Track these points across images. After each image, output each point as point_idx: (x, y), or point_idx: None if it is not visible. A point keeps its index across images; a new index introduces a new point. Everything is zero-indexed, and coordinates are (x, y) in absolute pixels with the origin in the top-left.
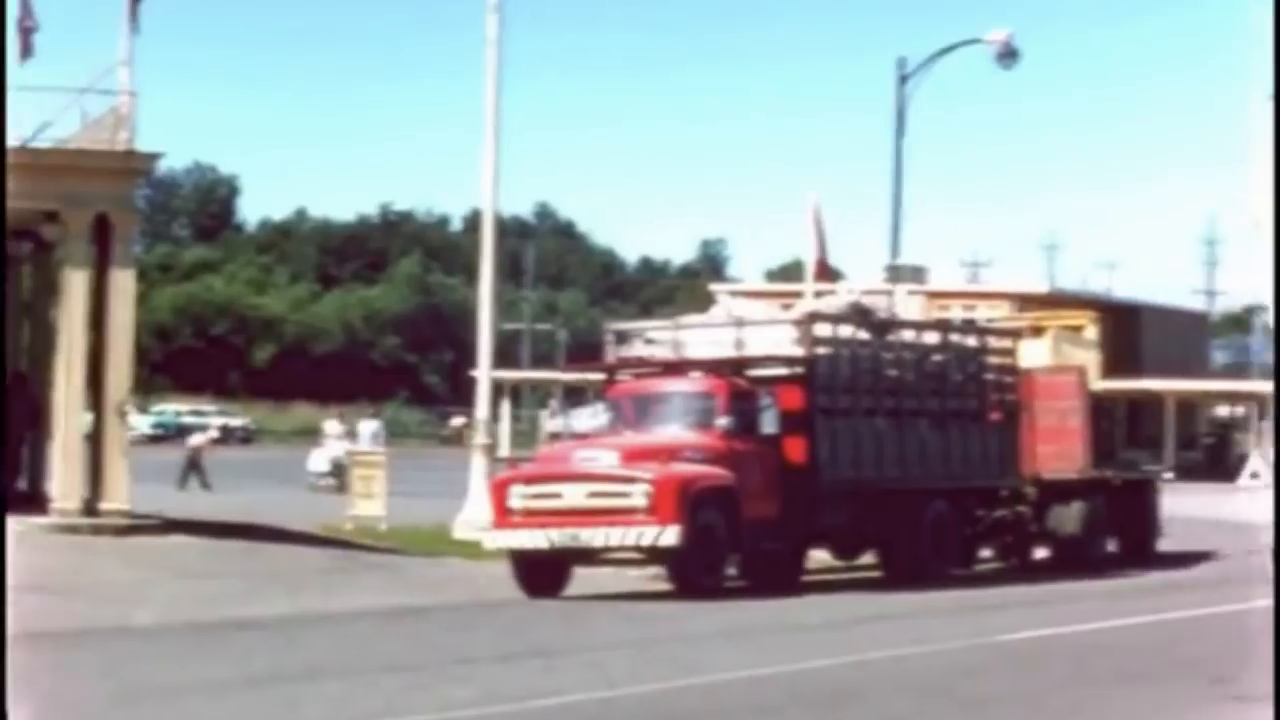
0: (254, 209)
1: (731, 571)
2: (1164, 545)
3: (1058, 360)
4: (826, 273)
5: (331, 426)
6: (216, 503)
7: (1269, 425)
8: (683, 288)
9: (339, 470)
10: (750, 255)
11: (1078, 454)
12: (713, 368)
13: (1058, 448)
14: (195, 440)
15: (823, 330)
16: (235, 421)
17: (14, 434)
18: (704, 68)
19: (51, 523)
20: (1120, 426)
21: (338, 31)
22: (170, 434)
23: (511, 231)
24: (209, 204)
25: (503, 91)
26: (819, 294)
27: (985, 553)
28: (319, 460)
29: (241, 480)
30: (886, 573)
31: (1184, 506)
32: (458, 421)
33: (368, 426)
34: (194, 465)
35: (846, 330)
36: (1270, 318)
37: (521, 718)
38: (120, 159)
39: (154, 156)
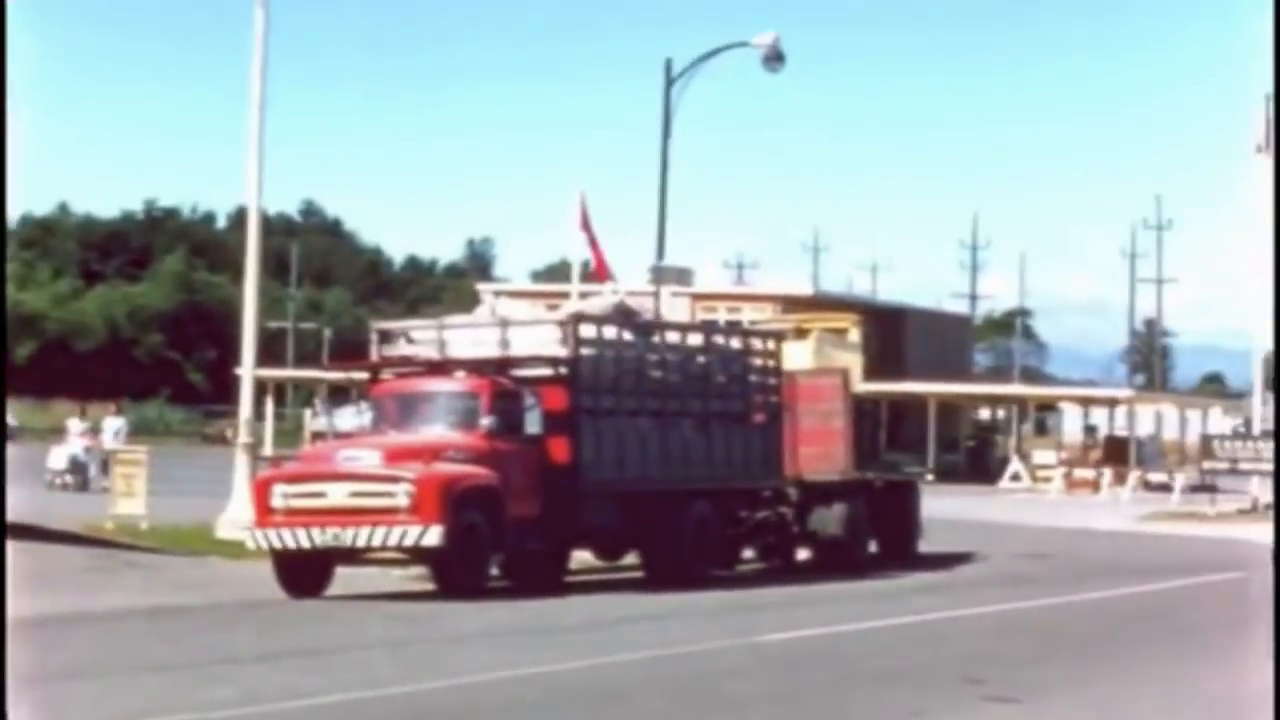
0: (16, 204)
1: (495, 571)
2: (925, 546)
3: (821, 362)
4: (606, 273)
5: (74, 424)
6: None
7: (1029, 428)
8: (449, 287)
9: (77, 467)
10: (517, 255)
11: (840, 456)
12: (477, 367)
13: (820, 449)
14: None
15: (587, 331)
16: None
17: None
18: (470, 67)
19: None
20: (883, 429)
21: (101, 24)
22: None
23: (277, 229)
24: None
25: (269, 88)
26: (584, 295)
27: (748, 554)
28: (58, 458)
29: None
30: (648, 573)
31: (945, 508)
32: (230, 433)
33: (112, 424)
34: None
35: (611, 331)
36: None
37: (282, 718)
38: None
39: None
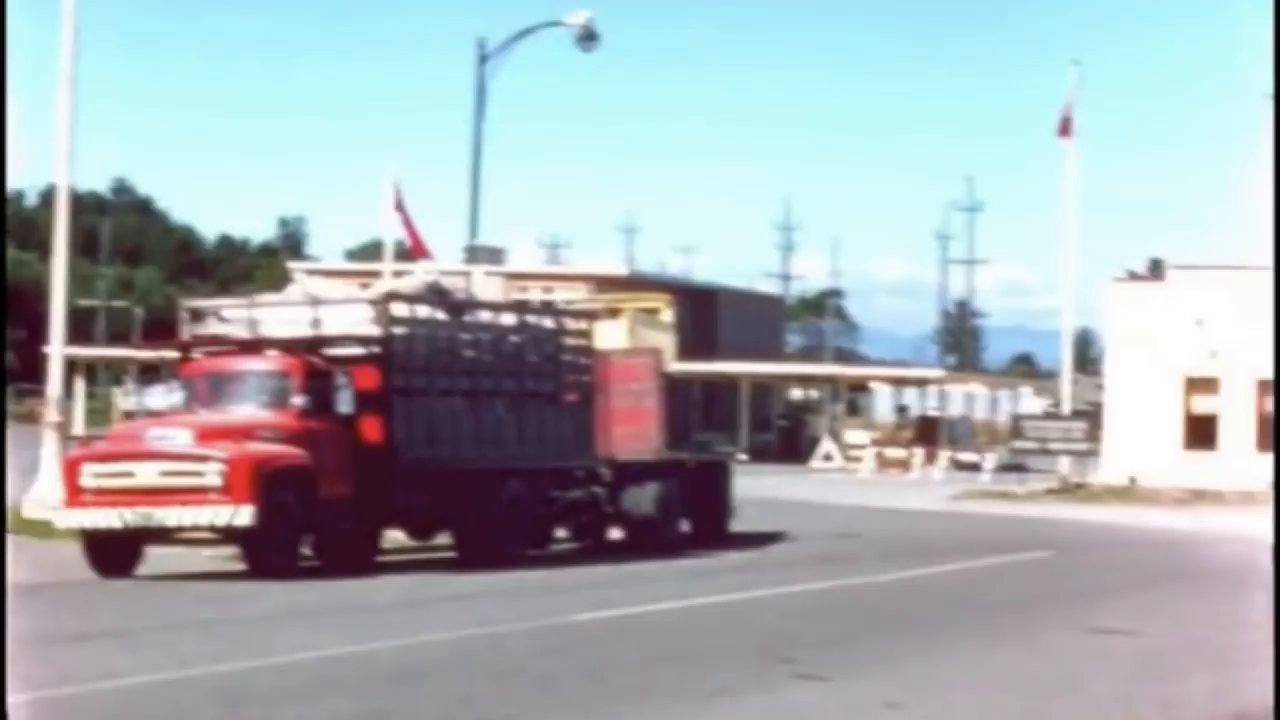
0: None
1: (306, 551)
2: (737, 526)
3: (634, 342)
4: (424, 250)
5: None
6: None
7: (841, 409)
8: (262, 266)
9: None
10: (330, 234)
11: (652, 435)
12: (288, 347)
13: (633, 429)
14: None
15: (400, 310)
16: None
17: None
18: (283, 43)
19: None
20: (695, 408)
21: None
22: None
23: (88, 207)
24: None
25: (79, 64)
26: (397, 274)
27: (560, 533)
28: None
29: None
30: (461, 553)
31: (758, 488)
32: (40, 412)
33: None
34: None
35: (424, 311)
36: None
37: (91, 699)
38: None
39: None
